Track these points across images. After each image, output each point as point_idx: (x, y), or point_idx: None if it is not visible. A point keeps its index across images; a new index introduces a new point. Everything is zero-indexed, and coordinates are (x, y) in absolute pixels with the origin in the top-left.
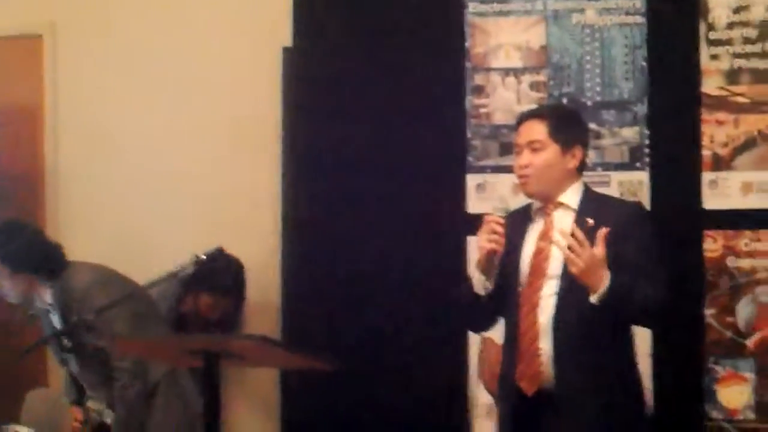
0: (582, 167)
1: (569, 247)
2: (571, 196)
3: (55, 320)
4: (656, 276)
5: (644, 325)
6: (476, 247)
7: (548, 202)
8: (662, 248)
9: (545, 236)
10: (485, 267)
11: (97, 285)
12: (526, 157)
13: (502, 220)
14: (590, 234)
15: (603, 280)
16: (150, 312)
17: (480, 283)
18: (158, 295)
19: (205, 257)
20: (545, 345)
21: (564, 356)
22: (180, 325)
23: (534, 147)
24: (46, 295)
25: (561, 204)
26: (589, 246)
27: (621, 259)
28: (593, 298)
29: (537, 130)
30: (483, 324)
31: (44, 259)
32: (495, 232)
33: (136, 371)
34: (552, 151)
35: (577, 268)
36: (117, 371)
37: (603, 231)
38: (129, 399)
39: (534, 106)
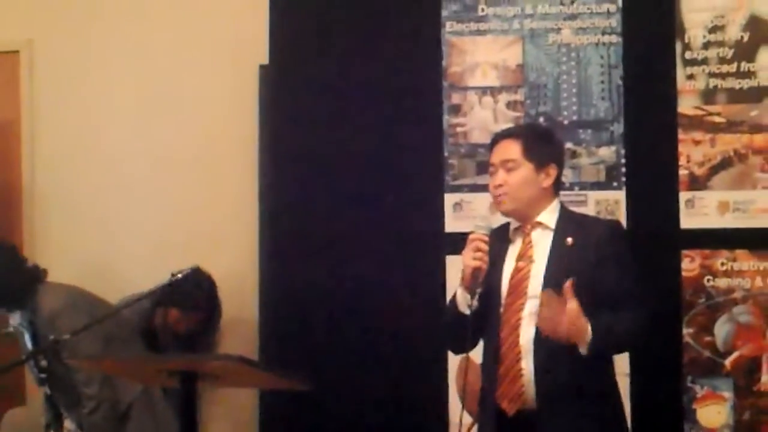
0: (558, 186)
1: (541, 313)
2: (549, 215)
3: (27, 340)
4: (636, 302)
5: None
6: (462, 265)
7: (526, 221)
8: (640, 267)
9: (524, 256)
10: (470, 285)
11: (66, 309)
12: (500, 176)
13: (486, 238)
14: (569, 253)
15: (586, 331)
16: (121, 334)
17: (465, 301)
18: (129, 309)
19: (180, 276)
20: (527, 365)
21: (545, 376)
22: (149, 338)
23: (508, 167)
24: (15, 316)
25: (539, 224)
26: (561, 302)
27: (601, 280)
28: (582, 350)
29: (511, 149)
30: (466, 345)
31: (9, 292)
32: (479, 250)
33: (101, 397)
34: (526, 169)
35: (557, 332)
36: (83, 398)
37: (568, 284)
38: (96, 425)
39: (510, 125)
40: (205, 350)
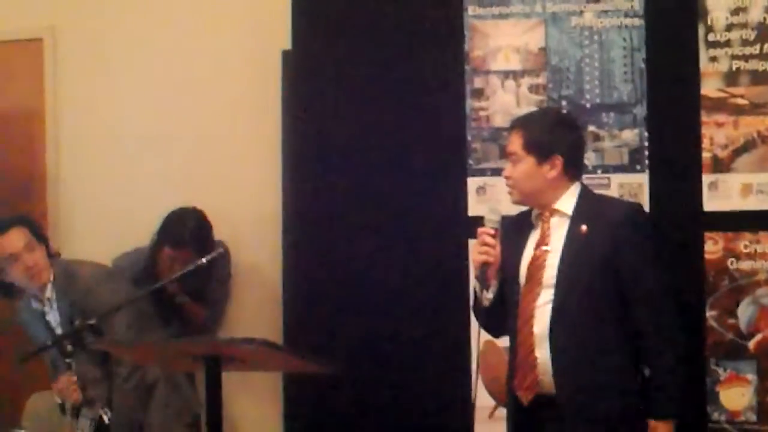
0: (575, 172)
1: None
2: (567, 201)
3: (53, 317)
4: (665, 302)
5: None
6: (471, 259)
7: (544, 209)
8: (660, 251)
9: (541, 244)
10: (479, 278)
11: (104, 278)
12: (508, 168)
13: (492, 231)
14: (584, 241)
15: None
16: (151, 314)
17: (481, 294)
18: (135, 259)
19: (205, 260)
20: (541, 354)
21: (562, 364)
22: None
23: (512, 159)
24: (46, 289)
25: (556, 210)
26: None
27: (619, 272)
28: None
29: (514, 142)
30: (494, 329)
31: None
32: (486, 244)
33: (135, 365)
34: (527, 163)
35: None
36: (117, 363)
37: None
38: (127, 393)
39: (533, 109)
40: (214, 299)
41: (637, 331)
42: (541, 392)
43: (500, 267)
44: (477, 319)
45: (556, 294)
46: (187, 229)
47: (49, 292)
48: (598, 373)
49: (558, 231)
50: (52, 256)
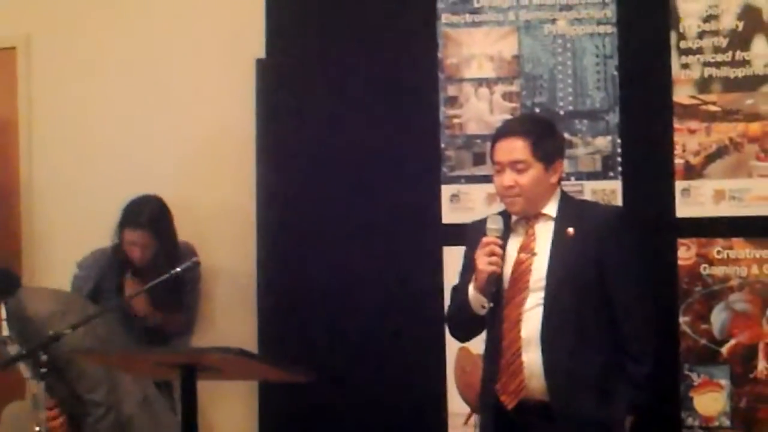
0: (561, 177)
1: None
2: (552, 205)
3: (13, 350)
4: (646, 305)
5: None
6: (477, 269)
7: (530, 214)
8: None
9: (526, 248)
10: (484, 288)
11: (58, 314)
12: (509, 176)
13: (500, 242)
14: (571, 245)
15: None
16: (114, 331)
17: (478, 302)
18: (99, 256)
19: (179, 269)
20: (528, 359)
21: (555, 368)
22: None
23: (518, 168)
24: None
25: (542, 215)
26: None
27: (605, 273)
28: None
29: (519, 149)
30: (471, 336)
31: None
32: (494, 254)
33: (109, 403)
34: (536, 170)
35: None
36: (89, 405)
37: None
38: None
39: (507, 117)
40: (188, 304)
41: (620, 332)
42: (527, 397)
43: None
44: (456, 325)
45: (546, 297)
46: (144, 212)
47: (5, 331)
48: (591, 374)
49: (544, 235)
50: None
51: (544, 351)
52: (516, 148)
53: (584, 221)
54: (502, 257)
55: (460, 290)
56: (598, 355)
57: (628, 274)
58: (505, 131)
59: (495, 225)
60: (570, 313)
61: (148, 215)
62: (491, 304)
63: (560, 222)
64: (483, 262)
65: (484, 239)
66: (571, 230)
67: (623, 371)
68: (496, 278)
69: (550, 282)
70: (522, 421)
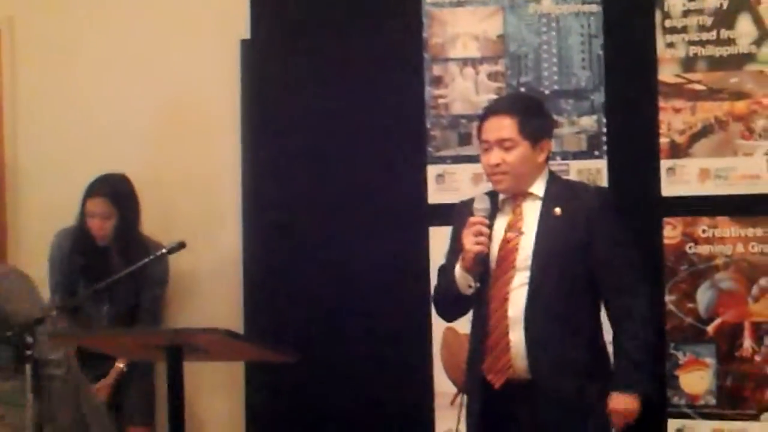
0: (550, 156)
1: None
2: (539, 185)
3: None
4: (636, 283)
5: None
6: (464, 249)
7: (517, 193)
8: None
9: (513, 227)
10: (472, 268)
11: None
12: (497, 155)
13: (487, 221)
14: (558, 224)
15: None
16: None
17: (465, 282)
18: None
19: (165, 251)
20: (515, 338)
21: (537, 347)
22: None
23: (505, 146)
24: None
25: (530, 194)
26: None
27: (596, 256)
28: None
29: (506, 127)
30: (457, 316)
31: None
32: (481, 234)
33: (68, 363)
34: (523, 148)
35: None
36: (51, 365)
37: None
38: (66, 390)
39: (493, 97)
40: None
41: (611, 314)
42: (513, 376)
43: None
44: (443, 305)
45: (531, 276)
46: (105, 183)
47: None
48: (575, 354)
49: (531, 214)
50: None
51: (527, 329)
52: (503, 126)
53: (572, 202)
54: (489, 237)
55: (446, 270)
56: (583, 336)
57: (622, 254)
58: (492, 109)
59: (482, 205)
60: (555, 292)
61: (109, 185)
62: (478, 284)
63: (547, 202)
64: (470, 242)
65: (471, 219)
66: (558, 210)
67: (606, 353)
68: (483, 258)
69: (536, 261)
70: (508, 400)
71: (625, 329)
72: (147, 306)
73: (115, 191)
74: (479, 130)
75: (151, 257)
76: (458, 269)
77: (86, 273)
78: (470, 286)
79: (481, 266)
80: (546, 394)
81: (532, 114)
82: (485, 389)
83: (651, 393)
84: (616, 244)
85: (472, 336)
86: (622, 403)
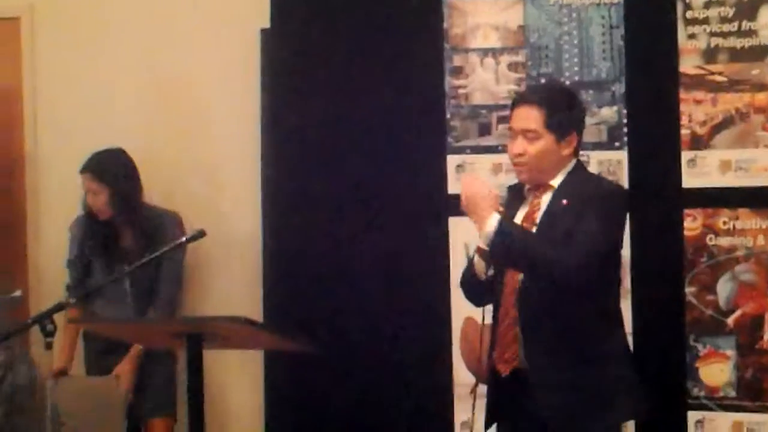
0: (579, 149)
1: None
2: (560, 177)
3: None
4: (576, 245)
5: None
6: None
7: (540, 185)
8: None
9: (528, 218)
10: (485, 254)
11: None
12: (520, 144)
13: (501, 208)
14: (563, 213)
15: (487, 221)
16: None
17: (482, 268)
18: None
19: (185, 239)
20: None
21: (530, 336)
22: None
23: (529, 136)
24: None
25: (550, 186)
26: (483, 181)
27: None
28: (480, 240)
29: (532, 118)
30: (482, 301)
31: None
32: None
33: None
34: (547, 140)
35: (463, 197)
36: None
37: None
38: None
39: (514, 87)
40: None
41: None
42: (520, 366)
43: None
44: (466, 290)
45: None
46: (92, 158)
47: None
48: (570, 345)
49: (546, 206)
50: None
51: (520, 319)
52: (529, 116)
53: (580, 194)
54: (512, 215)
55: (468, 266)
56: (578, 325)
57: (582, 229)
58: (522, 99)
59: (497, 190)
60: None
61: (94, 160)
62: (492, 271)
63: (558, 193)
64: None
65: None
66: (565, 201)
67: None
68: None
69: None
70: (516, 390)
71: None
72: (167, 276)
73: (99, 166)
74: (510, 114)
75: (172, 245)
76: (476, 256)
77: (95, 248)
78: (485, 273)
79: None
80: (540, 384)
81: (561, 107)
82: (495, 378)
83: None
84: (587, 222)
85: (492, 326)
86: None
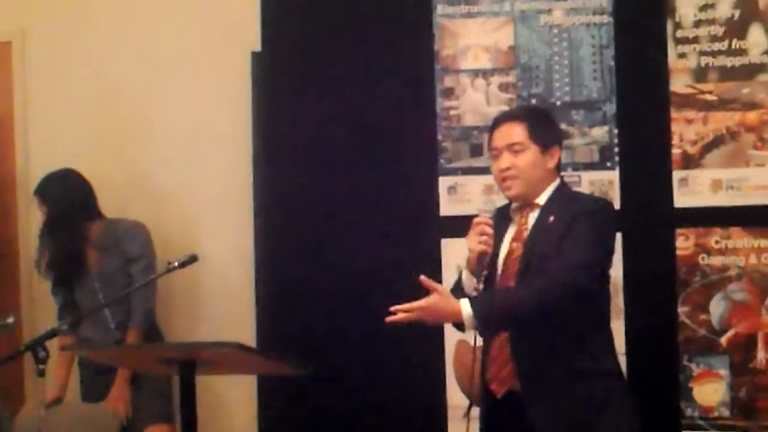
0: (559, 167)
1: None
2: (545, 195)
3: None
4: (568, 259)
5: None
6: (467, 249)
7: (526, 203)
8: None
9: (517, 237)
10: (475, 268)
11: None
12: (506, 159)
13: (490, 221)
14: (551, 229)
15: (460, 312)
16: None
17: (471, 284)
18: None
19: (177, 264)
20: None
21: (520, 356)
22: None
23: (515, 149)
24: None
25: (537, 205)
26: (416, 305)
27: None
28: (467, 325)
29: (516, 132)
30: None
31: None
32: (484, 234)
33: None
34: (533, 151)
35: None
36: None
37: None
38: None
39: (504, 107)
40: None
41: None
42: (515, 387)
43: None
44: None
45: (515, 283)
46: (51, 184)
47: None
48: (558, 362)
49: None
50: None
51: (510, 339)
52: (513, 131)
53: (566, 211)
54: (497, 242)
55: (455, 286)
56: (568, 343)
57: (579, 235)
58: (502, 118)
59: (486, 207)
60: None
61: (40, 182)
62: (482, 286)
63: (544, 211)
64: (473, 242)
65: (475, 220)
66: (552, 218)
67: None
68: (485, 258)
69: (520, 270)
70: (510, 411)
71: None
72: (139, 281)
73: (42, 188)
74: (489, 139)
75: (164, 271)
76: (464, 271)
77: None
78: (475, 288)
79: (483, 266)
80: (533, 402)
81: (541, 121)
82: (489, 399)
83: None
84: (570, 242)
85: (483, 347)
86: None
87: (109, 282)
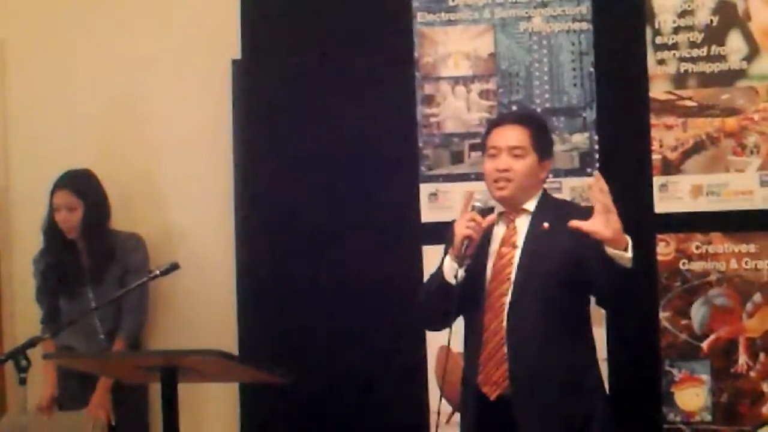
0: (545, 180)
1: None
2: (532, 202)
3: None
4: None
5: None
6: (454, 233)
7: (513, 208)
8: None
9: (507, 242)
10: (459, 253)
11: None
12: (505, 160)
13: (480, 216)
14: (544, 237)
15: (628, 248)
16: None
17: (452, 270)
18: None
19: (158, 272)
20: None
21: (516, 360)
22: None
23: (516, 153)
24: None
25: (524, 210)
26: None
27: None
28: (627, 256)
29: (520, 136)
30: (442, 319)
31: None
32: (473, 220)
33: None
34: (532, 159)
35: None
36: None
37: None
38: None
39: (486, 115)
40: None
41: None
42: (505, 391)
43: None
44: (425, 307)
45: (513, 289)
46: (67, 175)
47: None
48: (555, 368)
49: (523, 230)
50: None
51: (507, 342)
52: (517, 134)
53: (561, 218)
54: (482, 240)
55: (433, 275)
56: (566, 349)
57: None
58: (506, 118)
59: (479, 204)
60: (536, 305)
61: (71, 177)
62: (462, 274)
63: (536, 217)
64: (461, 226)
65: (467, 213)
66: (546, 224)
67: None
68: (471, 244)
69: (519, 274)
70: (504, 413)
71: None
72: (131, 305)
73: (78, 183)
74: (487, 136)
75: (145, 279)
76: (447, 259)
77: (58, 270)
78: (455, 276)
79: (466, 254)
80: (525, 408)
81: (543, 131)
82: (481, 402)
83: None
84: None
85: (467, 352)
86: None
87: (104, 292)
